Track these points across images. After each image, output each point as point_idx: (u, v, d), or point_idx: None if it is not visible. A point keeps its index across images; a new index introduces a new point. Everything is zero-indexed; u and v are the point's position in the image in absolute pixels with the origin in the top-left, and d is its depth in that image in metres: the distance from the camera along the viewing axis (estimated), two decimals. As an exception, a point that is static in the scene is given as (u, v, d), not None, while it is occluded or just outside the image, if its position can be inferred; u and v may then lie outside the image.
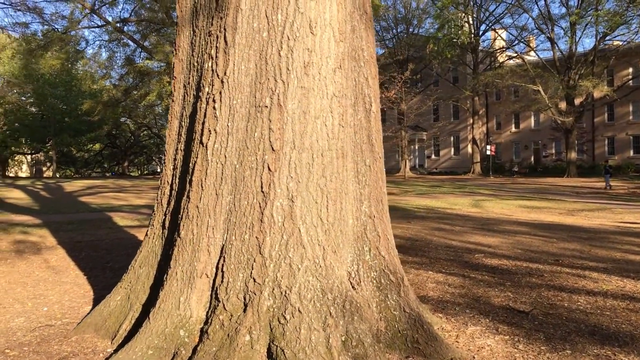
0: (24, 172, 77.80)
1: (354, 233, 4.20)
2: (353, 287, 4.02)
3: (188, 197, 4.12)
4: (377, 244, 4.26)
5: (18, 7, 27.20)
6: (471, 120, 55.33)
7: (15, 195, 24.23)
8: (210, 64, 4.15)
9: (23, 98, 51.81)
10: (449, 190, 29.50)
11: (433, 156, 64.01)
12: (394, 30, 54.14)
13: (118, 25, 36.03)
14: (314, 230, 3.91)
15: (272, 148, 3.91)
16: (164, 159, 4.63)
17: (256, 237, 3.85)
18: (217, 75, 4.08)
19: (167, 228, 4.49)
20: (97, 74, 53.53)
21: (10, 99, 50.83)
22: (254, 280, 3.78)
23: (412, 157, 62.60)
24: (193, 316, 3.92)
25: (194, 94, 4.36)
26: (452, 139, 62.19)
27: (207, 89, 4.13)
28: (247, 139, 3.98)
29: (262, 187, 3.90)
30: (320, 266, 3.85)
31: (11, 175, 68.33)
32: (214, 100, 4.07)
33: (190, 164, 4.18)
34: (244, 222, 3.90)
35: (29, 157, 71.53)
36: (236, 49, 4.04)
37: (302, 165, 3.94)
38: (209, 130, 4.06)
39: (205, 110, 4.11)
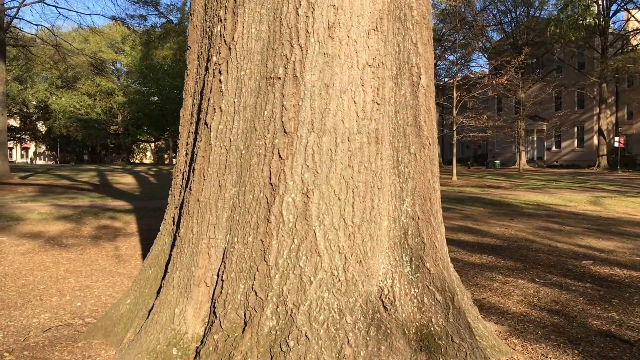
0: (149, 159, 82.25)
1: (390, 238, 3.32)
2: (385, 306, 3.16)
3: (190, 188, 3.44)
4: (421, 252, 3.36)
5: (135, 1, 28.16)
6: (598, 110, 51.04)
7: (125, 181, 25.16)
8: (218, 28, 3.43)
9: (144, 88, 54.35)
10: (567, 185, 27.15)
11: (553, 148, 59.83)
12: (513, 14, 50.99)
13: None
14: (333, 233, 3.09)
15: (284, 130, 3.13)
16: (178, 143, 3.99)
17: (261, 239, 3.10)
18: (225, 41, 3.36)
19: (176, 224, 3.85)
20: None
21: (132, 89, 53.54)
22: (256, 294, 3.04)
23: (529, 149, 58.97)
24: (189, 332, 3.25)
25: (205, 66, 3.67)
26: (575, 129, 57.75)
27: (214, 59, 3.42)
28: (255, 118, 3.23)
29: (270, 178, 3.14)
30: (339, 280, 3.03)
31: (136, 161, 72.48)
32: (219, 72, 3.35)
33: (195, 149, 3.50)
34: (247, 220, 3.17)
35: (152, 144, 75.38)
36: (246, 8, 3.29)
37: (321, 152, 3.13)
38: (214, 108, 3.36)
39: (212, 84, 3.40)
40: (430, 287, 3.29)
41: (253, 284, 3.05)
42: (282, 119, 3.14)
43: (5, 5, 21.82)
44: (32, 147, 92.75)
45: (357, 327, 2.95)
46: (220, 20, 3.41)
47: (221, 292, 3.15)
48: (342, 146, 3.16)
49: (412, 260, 3.33)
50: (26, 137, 77.28)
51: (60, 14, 27.48)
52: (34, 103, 63.92)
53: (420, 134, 3.48)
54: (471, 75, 36.31)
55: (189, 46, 3.87)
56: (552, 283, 6.12)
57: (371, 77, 3.25)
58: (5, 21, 21.84)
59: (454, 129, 29.88)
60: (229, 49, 3.33)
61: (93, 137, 62.12)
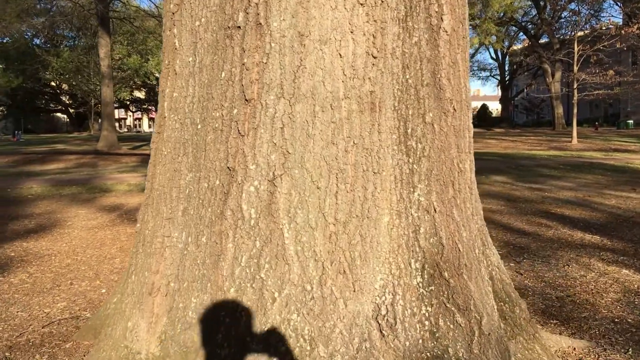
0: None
1: (392, 239, 2.46)
2: (381, 332, 2.34)
3: (149, 173, 2.78)
4: (438, 257, 2.47)
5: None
6: None
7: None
8: (176, -32, 2.69)
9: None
10: None
11: None
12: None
13: None
14: (308, 234, 2.30)
15: (245, 97, 2.36)
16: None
17: (215, 241, 2.38)
18: (180, -17, 2.62)
19: (152, 213, 3.21)
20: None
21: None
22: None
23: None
24: (142, 352, 2.61)
25: (171, 19, 2.94)
26: None
27: (170, 6, 2.69)
28: (212, 82, 2.47)
29: (227, 161, 2.39)
30: (313, 297, 2.25)
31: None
32: (173, 24, 2.62)
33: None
34: (202, 215, 2.45)
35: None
36: (200, -63, 2.52)
37: (294, 125, 2.33)
38: (168, 71, 2.65)
39: (168, 39, 2.68)
40: (448, 305, 2.41)
41: (204, 299, 2.35)
42: (242, 82, 2.36)
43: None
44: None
45: (334, 361, 2.17)
46: (178, -43, 2.66)
47: (172, 306, 2.48)
48: (323, 116, 2.33)
49: (425, 268, 2.46)
50: (151, 108, 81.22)
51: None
52: (156, 75, 66.61)
53: (440, 96, 2.55)
54: (597, 27, 32.49)
55: (163, -4, 3.16)
56: (665, 275, 4.92)
57: (364, 21, 2.37)
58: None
59: (575, 87, 27.18)
60: (183, -8, 2.58)
61: (209, 106, 63.49)
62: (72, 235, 7.19)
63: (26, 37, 46.57)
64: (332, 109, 2.34)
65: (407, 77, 2.50)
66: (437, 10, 2.55)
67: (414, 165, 2.50)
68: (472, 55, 61.82)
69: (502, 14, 42.82)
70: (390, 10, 2.45)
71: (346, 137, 2.35)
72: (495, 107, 78.23)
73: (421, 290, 2.43)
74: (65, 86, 57.66)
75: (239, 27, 2.38)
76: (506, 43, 57.73)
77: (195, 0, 2.52)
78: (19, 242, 6.72)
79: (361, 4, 2.36)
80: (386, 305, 2.37)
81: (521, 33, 54.69)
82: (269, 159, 2.32)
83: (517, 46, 59.28)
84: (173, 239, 2.56)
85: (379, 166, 2.41)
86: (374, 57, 2.39)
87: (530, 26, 51.71)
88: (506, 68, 63.43)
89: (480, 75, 68.18)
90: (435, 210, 2.50)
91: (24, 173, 15.72)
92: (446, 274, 2.45)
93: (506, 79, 62.81)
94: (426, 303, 2.41)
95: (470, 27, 45.32)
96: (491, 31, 34.18)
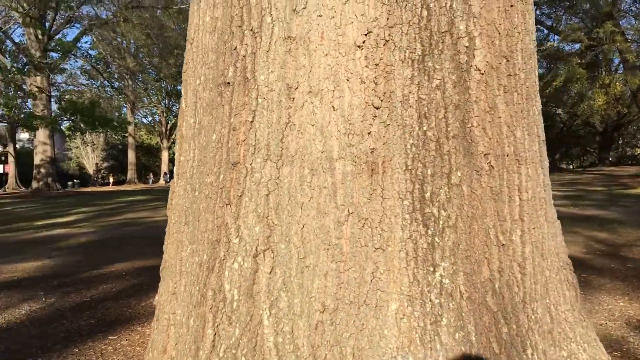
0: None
1: (402, 332, 1.94)
2: None
3: (165, 242, 2.60)
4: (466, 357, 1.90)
5: None
6: None
7: None
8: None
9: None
10: None
11: None
12: None
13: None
14: (292, 322, 1.92)
15: (230, 160, 2.08)
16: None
17: (198, 324, 2.10)
18: (188, 40, 2.46)
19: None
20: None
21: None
22: (186, 406, 2.05)
23: None
24: None
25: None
26: None
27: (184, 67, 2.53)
28: (207, 145, 2.24)
29: (213, 233, 2.11)
30: (290, 403, 1.84)
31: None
32: (183, 84, 2.46)
33: (176, 188, 2.65)
34: (192, 293, 2.19)
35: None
36: (201, -10, 2.33)
37: (281, 192, 1.99)
38: (178, 133, 2.48)
39: (181, 101, 2.52)
40: None
41: (185, 391, 2.07)
42: (229, 144, 2.09)
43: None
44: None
45: None
46: (192, 14, 2.51)
47: (168, 391, 2.23)
48: (313, 181, 1.96)
49: (447, 371, 1.90)
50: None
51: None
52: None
53: (472, 150, 2.01)
54: None
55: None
56: None
57: (363, 65, 1.97)
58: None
59: None
60: (188, 49, 2.41)
61: None
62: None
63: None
64: (323, 171, 1.95)
65: (425, 128, 2.01)
66: (466, 44, 2.04)
67: (435, 238, 1.98)
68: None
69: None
70: (399, 50, 2.00)
71: (340, 205, 1.94)
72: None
73: (440, 401, 1.88)
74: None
75: (229, 83, 2.12)
76: None
77: (196, 57, 2.34)
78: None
79: (359, 47, 1.97)
80: (390, 419, 1.86)
81: None
82: (252, 230, 2.00)
83: None
84: (177, 317, 2.33)
85: (383, 240, 1.95)
86: (376, 108, 1.96)
87: None
88: None
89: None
90: (462, 296, 1.94)
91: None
92: (474, 382, 1.87)
93: None
94: (446, 419, 1.86)
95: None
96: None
